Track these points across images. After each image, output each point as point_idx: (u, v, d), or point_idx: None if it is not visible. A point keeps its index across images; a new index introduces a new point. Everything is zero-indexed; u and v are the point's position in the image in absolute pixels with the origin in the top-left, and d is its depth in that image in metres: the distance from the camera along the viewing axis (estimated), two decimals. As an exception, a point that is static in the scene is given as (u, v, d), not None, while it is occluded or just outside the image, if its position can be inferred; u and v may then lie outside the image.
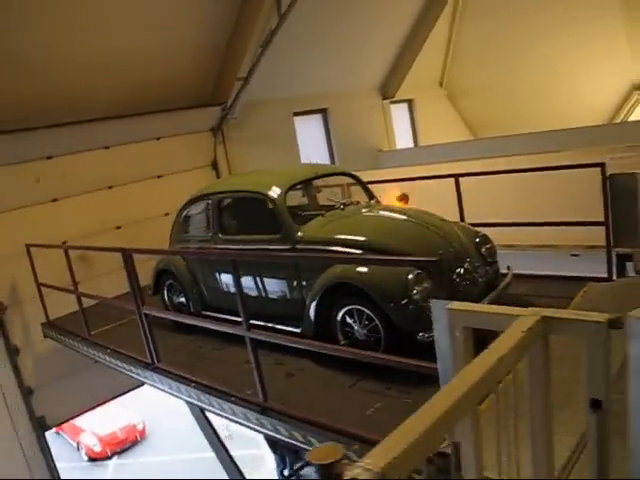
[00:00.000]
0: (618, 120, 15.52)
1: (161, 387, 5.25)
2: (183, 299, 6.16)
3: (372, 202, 5.57)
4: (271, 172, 6.06)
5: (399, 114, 15.38)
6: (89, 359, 6.94)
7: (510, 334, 1.97)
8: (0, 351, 7.89)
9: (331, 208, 5.32)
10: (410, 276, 4.04)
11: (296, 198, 5.77)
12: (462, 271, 4.53)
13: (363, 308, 4.20)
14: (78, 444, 14.66)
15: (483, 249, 4.88)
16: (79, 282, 7.31)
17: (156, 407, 13.47)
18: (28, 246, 7.54)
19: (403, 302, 4.00)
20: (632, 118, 15.40)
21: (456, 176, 6.12)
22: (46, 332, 7.84)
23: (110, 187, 9.06)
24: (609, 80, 14.86)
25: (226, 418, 4.49)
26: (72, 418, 9.46)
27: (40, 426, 8.07)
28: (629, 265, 5.70)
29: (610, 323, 2.01)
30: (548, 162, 6.75)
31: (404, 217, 4.98)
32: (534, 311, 2.14)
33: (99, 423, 14.14)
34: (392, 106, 14.92)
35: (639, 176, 5.27)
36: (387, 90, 14.41)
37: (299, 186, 5.68)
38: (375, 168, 12.26)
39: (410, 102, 15.70)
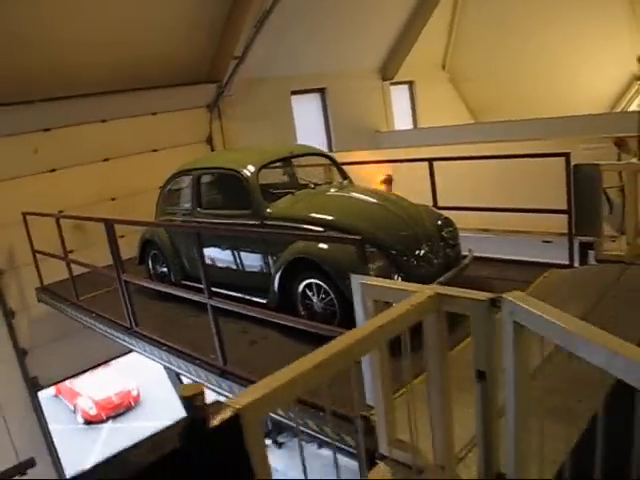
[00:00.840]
0: (619, 109, 15.55)
1: (139, 350, 5.59)
2: (165, 269, 6.48)
3: (344, 182, 5.81)
4: (248, 150, 6.34)
5: (399, 96, 15.48)
6: (79, 323, 7.30)
7: (400, 306, 2.24)
8: (-3, 313, 8.31)
9: (304, 187, 5.59)
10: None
11: (275, 176, 6.02)
12: (421, 252, 4.79)
13: (321, 282, 4.48)
14: (75, 407, 15.24)
15: (444, 232, 5.12)
16: (75, 250, 7.65)
17: (150, 374, 13.91)
18: (24, 214, 7.85)
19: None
20: (632, 108, 15.40)
21: (430, 160, 6.33)
22: (40, 296, 8.21)
23: (106, 159, 9.35)
24: (610, 70, 14.84)
25: (192, 380, 4.82)
26: (64, 380, 9.91)
27: (33, 386, 8.50)
28: (592, 253, 5.93)
29: (491, 302, 2.26)
30: (531, 149, 6.95)
31: (371, 199, 5.24)
32: (430, 287, 2.41)
33: (95, 388, 14.66)
34: (392, 87, 15.01)
35: (602, 167, 5.45)
36: (387, 71, 14.49)
37: (278, 164, 5.94)
38: (372, 149, 12.43)
39: (411, 84, 15.79)
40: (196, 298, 4.65)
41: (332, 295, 4.42)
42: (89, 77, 8.72)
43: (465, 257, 5.23)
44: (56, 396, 15.40)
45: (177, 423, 1.58)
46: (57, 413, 13.59)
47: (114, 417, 14.60)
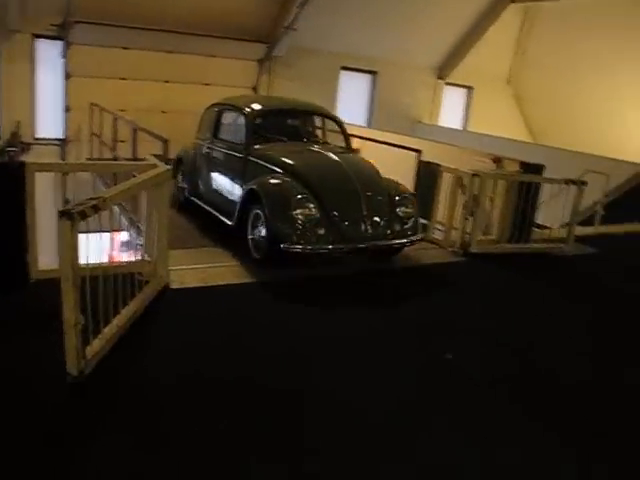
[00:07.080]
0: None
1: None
2: (186, 185, 7.34)
3: (336, 145, 6.54)
4: (261, 98, 8.46)
5: (454, 97, 16.90)
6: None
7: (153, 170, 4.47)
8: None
9: (299, 139, 6.51)
10: (297, 197, 5.13)
11: (283, 125, 6.80)
12: (358, 219, 5.28)
13: (261, 212, 5.28)
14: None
15: (399, 209, 5.61)
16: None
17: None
18: (92, 105, 10.57)
19: (283, 217, 5.10)
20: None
21: (356, 137, 8.22)
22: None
23: (167, 81, 12.08)
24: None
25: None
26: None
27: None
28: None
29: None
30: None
31: (337, 163, 5.78)
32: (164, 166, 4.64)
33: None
34: (447, 87, 16.47)
35: (442, 168, 6.95)
36: (442, 71, 15.99)
37: (290, 117, 6.88)
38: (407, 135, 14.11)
39: (469, 89, 17.07)
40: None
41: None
42: (164, 15, 11.36)
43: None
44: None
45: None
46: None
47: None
